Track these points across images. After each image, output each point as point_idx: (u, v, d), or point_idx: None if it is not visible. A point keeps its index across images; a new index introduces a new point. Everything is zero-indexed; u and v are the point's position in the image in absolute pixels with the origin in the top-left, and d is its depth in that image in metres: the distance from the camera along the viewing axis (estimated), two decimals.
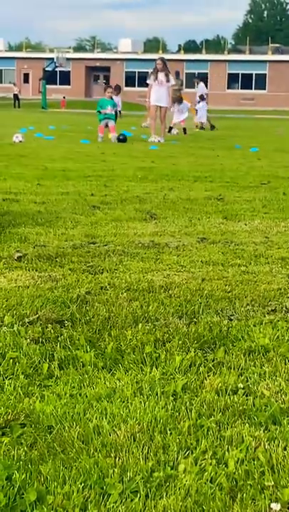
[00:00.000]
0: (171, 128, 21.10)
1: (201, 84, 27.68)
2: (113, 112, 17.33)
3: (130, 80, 64.92)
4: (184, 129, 21.34)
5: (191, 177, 8.91)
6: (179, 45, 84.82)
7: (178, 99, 21.62)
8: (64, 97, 50.26)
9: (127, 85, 64.31)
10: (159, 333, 2.87)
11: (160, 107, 17.31)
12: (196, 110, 25.01)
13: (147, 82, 17.56)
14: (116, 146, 14.78)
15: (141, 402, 2.24)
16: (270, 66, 64.21)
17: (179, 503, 1.71)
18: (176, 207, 6.42)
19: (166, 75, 17.16)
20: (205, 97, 25.53)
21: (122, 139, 15.88)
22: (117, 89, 19.51)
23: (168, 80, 17.22)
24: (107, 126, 16.77)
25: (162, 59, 17.77)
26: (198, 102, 25.00)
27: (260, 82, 64.83)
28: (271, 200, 7.02)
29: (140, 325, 2.96)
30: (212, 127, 24.70)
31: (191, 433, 2.04)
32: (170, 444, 1.98)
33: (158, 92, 17.11)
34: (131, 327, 2.95)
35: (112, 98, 17.44)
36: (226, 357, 2.65)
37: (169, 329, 2.93)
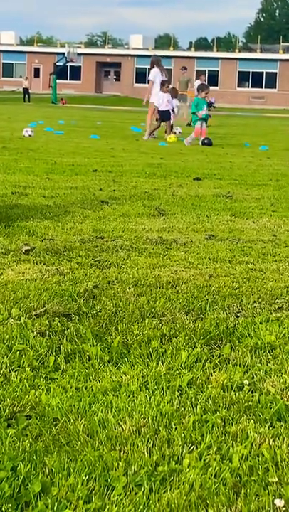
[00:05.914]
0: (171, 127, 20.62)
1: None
2: (209, 113, 16.56)
3: (140, 76, 64.78)
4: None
5: (200, 174, 8.90)
6: (190, 42, 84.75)
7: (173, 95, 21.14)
8: (62, 99, 49.84)
9: (137, 81, 64.37)
10: (166, 329, 2.87)
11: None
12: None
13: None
14: (125, 142, 14.78)
15: (146, 396, 2.24)
16: (281, 65, 64.03)
17: (182, 497, 1.71)
18: (184, 203, 6.42)
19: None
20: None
21: (206, 143, 15.23)
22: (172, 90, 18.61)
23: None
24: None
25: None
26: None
27: (271, 80, 64.65)
28: (280, 199, 7.02)
29: (147, 320, 2.97)
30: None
31: (196, 428, 2.04)
32: (175, 438, 1.98)
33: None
34: (138, 322, 2.96)
35: (205, 98, 16.15)
36: (232, 353, 2.65)
37: (175, 325, 2.93)
